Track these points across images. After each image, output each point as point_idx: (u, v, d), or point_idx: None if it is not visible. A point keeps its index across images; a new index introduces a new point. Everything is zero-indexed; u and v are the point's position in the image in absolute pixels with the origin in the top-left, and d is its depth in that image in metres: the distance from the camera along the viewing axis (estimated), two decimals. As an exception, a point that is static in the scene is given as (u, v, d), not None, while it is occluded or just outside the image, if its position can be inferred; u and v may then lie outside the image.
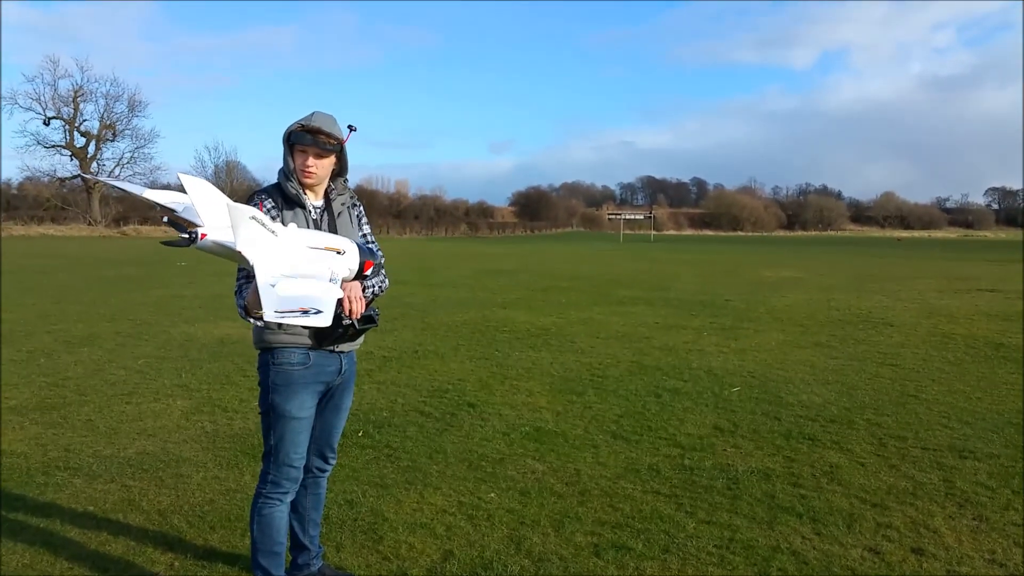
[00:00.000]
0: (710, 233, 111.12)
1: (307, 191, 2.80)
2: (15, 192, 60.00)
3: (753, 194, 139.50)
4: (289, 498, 2.89)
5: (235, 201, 2.24)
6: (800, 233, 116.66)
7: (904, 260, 32.16)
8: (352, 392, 3.08)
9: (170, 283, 16.61)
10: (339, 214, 2.87)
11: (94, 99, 60.40)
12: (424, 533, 3.73)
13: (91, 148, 59.54)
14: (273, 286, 2.18)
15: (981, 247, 55.04)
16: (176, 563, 3.39)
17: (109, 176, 59.12)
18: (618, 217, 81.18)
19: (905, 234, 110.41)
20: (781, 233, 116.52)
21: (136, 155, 60.60)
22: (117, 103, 60.20)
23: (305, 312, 2.20)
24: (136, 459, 4.76)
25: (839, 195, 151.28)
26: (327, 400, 2.95)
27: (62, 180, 59.00)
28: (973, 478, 4.56)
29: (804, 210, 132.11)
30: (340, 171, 2.87)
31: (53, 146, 58.24)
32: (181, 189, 2.25)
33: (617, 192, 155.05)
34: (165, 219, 2.32)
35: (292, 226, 2.30)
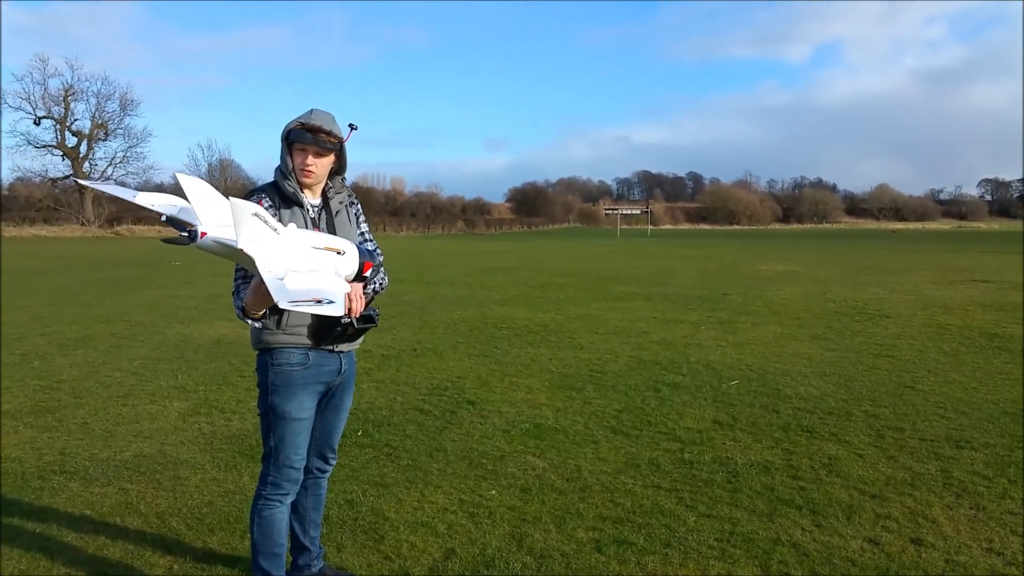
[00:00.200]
0: (706, 227, 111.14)
1: (305, 190, 2.77)
2: (6, 193, 59.69)
3: (749, 188, 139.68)
4: (289, 499, 2.88)
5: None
6: (795, 226, 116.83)
7: (899, 252, 32.24)
8: (352, 392, 3.06)
9: (165, 283, 16.56)
10: (337, 213, 2.84)
11: (85, 98, 60.07)
12: (425, 532, 3.72)
13: (83, 148, 59.35)
14: (281, 279, 2.16)
15: (975, 238, 55.22)
16: (175, 566, 3.38)
17: (101, 176, 58.83)
18: (615, 212, 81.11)
19: (900, 226, 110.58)
20: (777, 226, 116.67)
21: (129, 154, 60.49)
22: (109, 102, 59.99)
23: (318, 302, 2.19)
24: (133, 462, 4.74)
25: (834, 188, 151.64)
26: (327, 400, 2.93)
27: (54, 180, 58.73)
28: (970, 468, 4.57)
29: (799, 203, 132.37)
30: (338, 169, 2.85)
31: (44, 146, 58.04)
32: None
33: (614, 187, 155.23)
34: (164, 218, 2.30)
35: (292, 226, 2.28)
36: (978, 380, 6.90)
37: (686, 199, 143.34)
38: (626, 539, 3.62)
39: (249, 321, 2.58)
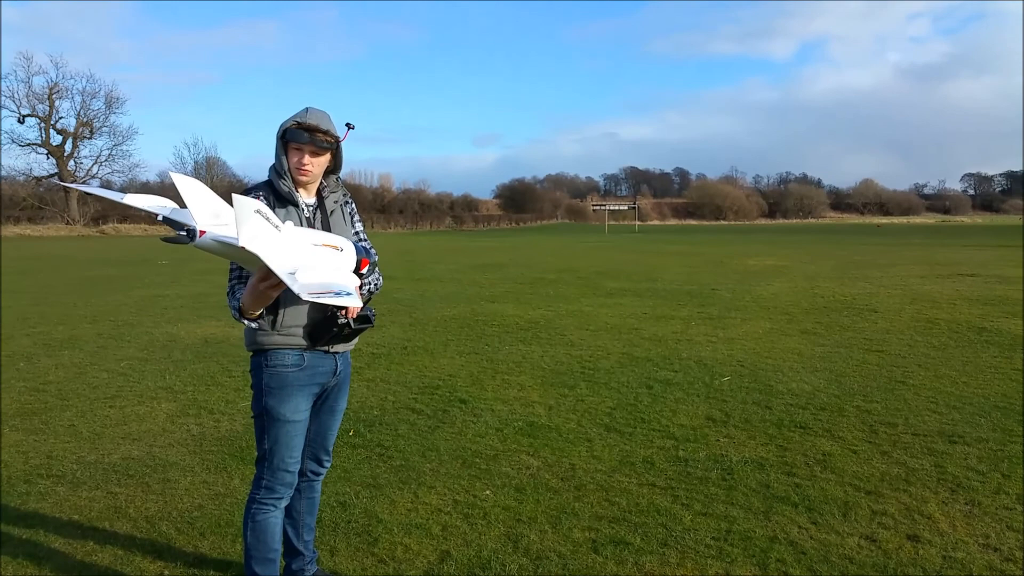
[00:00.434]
0: (693, 223, 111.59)
1: (300, 189, 2.73)
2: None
3: (735, 184, 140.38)
4: (284, 503, 2.83)
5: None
6: (781, 221, 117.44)
7: (885, 246, 32.41)
8: (347, 393, 3.02)
9: (152, 282, 16.41)
10: (332, 212, 2.81)
11: (70, 96, 59.75)
12: (420, 534, 3.68)
13: (68, 146, 58.78)
14: (293, 274, 2.13)
15: (959, 232, 55.59)
16: (166, 572, 3.33)
17: (87, 174, 58.38)
18: (603, 208, 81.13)
19: (884, 220, 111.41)
20: (763, 222, 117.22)
21: (114, 152, 59.87)
22: (94, 100, 59.48)
23: (337, 294, 2.16)
24: (121, 465, 4.68)
25: (819, 183, 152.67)
26: (321, 402, 2.89)
27: (39, 179, 58.15)
28: (964, 463, 4.58)
29: (785, 199, 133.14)
30: (333, 168, 2.81)
31: (28, 144, 57.39)
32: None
33: (601, 183, 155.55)
34: (160, 217, 2.25)
35: (289, 223, 2.24)
36: (968, 374, 6.92)
37: (673, 195, 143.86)
38: (623, 539, 3.59)
39: (245, 321, 2.54)
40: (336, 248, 2.40)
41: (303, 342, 2.68)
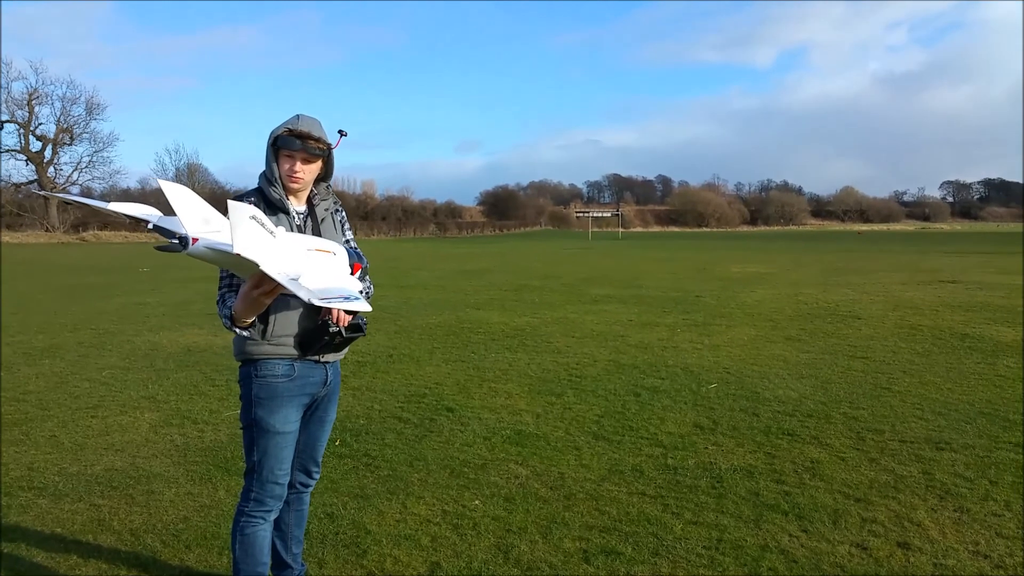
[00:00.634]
0: (676, 229, 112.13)
1: (290, 196, 2.71)
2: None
3: (717, 191, 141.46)
4: (273, 516, 2.78)
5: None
6: (763, 228, 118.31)
7: (866, 253, 32.68)
8: (336, 403, 2.98)
9: (133, 290, 16.25)
10: (323, 220, 2.78)
11: (50, 102, 59.10)
12: (409, 545, 3.64)
13: (47, 152, 58.24)
14: (296, 280, 2.10)
15: (938, 239, 56.20)
16: (152, 585, 3.27)
17: (67, 181, 57.84)
18: (586, 215, 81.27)
19: (865, 227, 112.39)
20: (745, 228, 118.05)
21: (95, 159, 59.49)
22: (74, 106, 59.07)
23: (346, 298, 2.14)
24: (104, 476, 4.60)
25: (800, 191, 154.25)
26: (311, 412, 2.85)
27: (17, 186, 57.54)
28: (951, 469, 4.59)
29: (766, 206, 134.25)
30: (324, 176, 2.79)
31: (7, 150, 56.84)
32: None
33: (584, 190, 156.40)
34: (150, 226, 2.22)
35: (281, 229, 2.21)
36: (952, 381, 6.97)
37: (656, 202, 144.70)
38: (614, 549, 3.57)
39: (237, 330, 2.50)
40: (329, 253, 2.38)
41: (294, 352, 2.65)
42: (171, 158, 69.95)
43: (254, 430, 2.68)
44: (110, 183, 61.52)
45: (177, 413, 6.03)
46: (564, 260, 28.92)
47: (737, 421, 5.72)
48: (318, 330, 2.60)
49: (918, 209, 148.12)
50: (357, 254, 2.64)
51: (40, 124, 58.30)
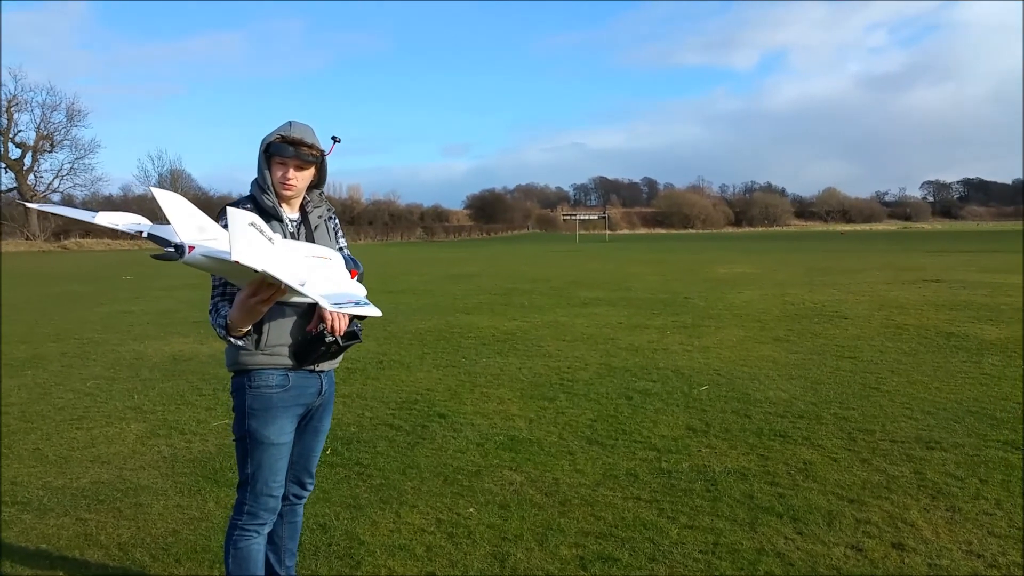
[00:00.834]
0: (662, 231, 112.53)
1: (283, 204, 2.67)
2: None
3: (702, 193, 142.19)
4: (267, 529, 2.73)
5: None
6: (747, 229, 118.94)
7: (850, 253, 32.89)
8: (331, 413, 2.94)
9: (116, 299, 16.09)
10: (316, 227, 2.75)
11: (30, 109, 58.50)
12: (404, 555, 3.60)
13: (27, 159, 57.69)
14: (303, 285, 2.07)
15: (920, 238, 56.71)
16: (142, 600, 3.22)
17: (47, 188, 57.34)
18: (573, 218, 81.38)
19: (848, 228, 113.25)
20: (730, 230, 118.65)
21: (76, 166, 58.99)
22: (55, 113, 58.57)
23: (358, 303, 2.12)
24: (91, 489, 4.53)
25: (783, 192, 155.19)
26: (305, 423, 2.80)
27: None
28: (942, 469, 4.60)
29: (750, 207, 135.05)
30: (317, 183, 2.75)
31: (-15, 159, 56.28)
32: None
33: (571, 193, 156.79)
34: (144, 235, 2.18)
35: (278, 236, 2.18)
36: (940, 380, 7.00)
37: (642, 204, 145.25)
38: (611, 555, 3.55)
39: (232, 339, 2.46)
40: (326, 259, 2.36)
41: (288, 362, 2.60)
42: (154, 164, 69.76)
43: (248, 442, 2.63)
44: (92, 190, 61.19)
45: (164, 424, 5.95)
46: (552, 263, 28.93)
47: (729, 423, 5.72)
48: (314, 339, 2.56)
49: (900, 209, 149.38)
50: (352, 260, 2.62)
51: (20, 131, 57.86)
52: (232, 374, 2.68)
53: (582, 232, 73.38)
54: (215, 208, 2.44)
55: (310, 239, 2.69)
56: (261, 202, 2.63)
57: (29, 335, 10.74)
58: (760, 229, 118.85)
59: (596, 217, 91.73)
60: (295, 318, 2.60)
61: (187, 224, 2.05)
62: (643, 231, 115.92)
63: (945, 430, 5.40)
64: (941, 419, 5.69)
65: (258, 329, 2.53)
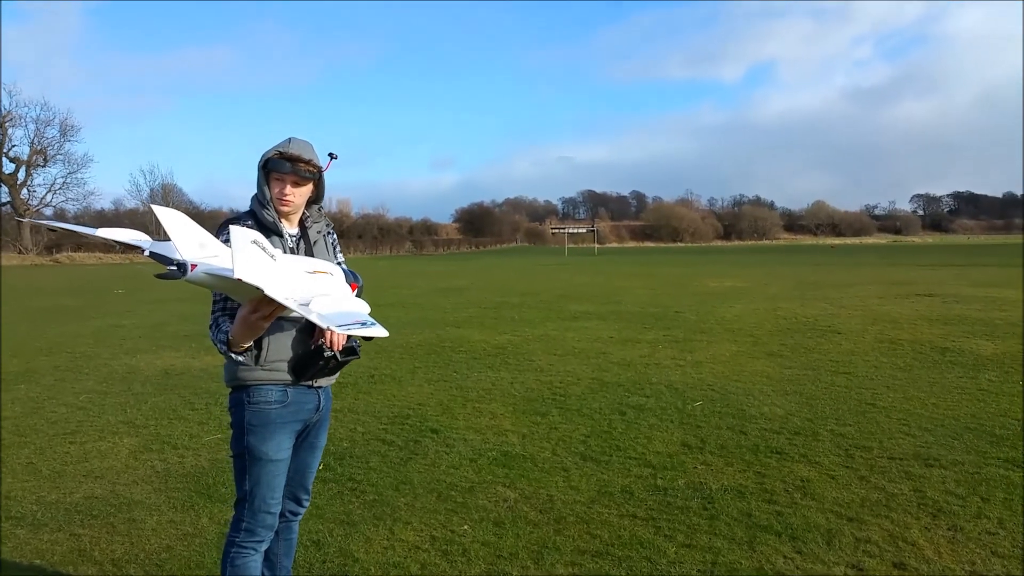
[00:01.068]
0: (651, 245, 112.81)
1: (283, 219, 2.68)
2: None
3: (690, 206, 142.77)
4: (264, 547, 2.71)
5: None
6: (737, 243, 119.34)
7: (840, 267, 33.00)
8: (327, 429, 2.92)
9: (108, 312, 16.00)
10: (315, 242, 2.76)
11: (23, 124, 58.31)
12: (398, 573, 3.56)
13: (21, 174, 57.52)
14: (307, 305, 2.06)
15: (911, 252, 56.91)
16: (135, 620, 3.17)
17: (40, 203, 57.15)
18: (562, 231, 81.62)
19: (837, 241, 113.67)
20: (719, 243, 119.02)
21: (69, 180, 58.85)
22: (48, 128, 58.39)
23: (363, 324, 2.11)
24: (84, 504, 4.48)
25: (772, 205, 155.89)
26: (303, 439, 2.78)
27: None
28: (942, 487, 4.59)
29: (739, 220, 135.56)
30: (316, 198, 2.76)
31: (-20, 174, 56.05)
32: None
33: (559, 207, 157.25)
34: (146, 253, 2.17)
35: (278, 252, 2.17)
36: (936, 395, 7.00)
37: (631, 217, 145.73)
38: (608, 574, 3.52)
39: (233, 355, 2.44)
40: (327, 274, 2.35)
41: (287, 377, 2.59)
42: (146, 179, 69.62)
43: (246, 458, 2.61)
44: (84, 204, 61.09)
45: (157, 438, 5.90)
46: (541, 276, 28.93)
47: (725, 439, 5.70)
48: (312, 355, 2.55)
49: (890, 222, 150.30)
50: (352, 273, 2.62)
51: (14, 146, 57.68)
52: (230, 389, 2.66)
53: (571, 245, 73.55)
54: (206, 222, 2.44)
55: (309, 254, 2.69)
56: (261, 217, 2.63)
57: (21, 349, 10.65)
58: (749, 242, 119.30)
59: (585, 230, 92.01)
60: (294, 333, 2.59)
61: (188, 241, 2.04)
62: (632, 244, 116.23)
63: (944, 447, 5.39)
64: (939, 436, 5.68)
65: (258, 344, 2.51)
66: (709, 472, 4.96)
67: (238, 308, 2.37)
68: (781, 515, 4.20)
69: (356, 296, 2.57)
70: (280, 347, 2.57)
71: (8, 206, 56.32)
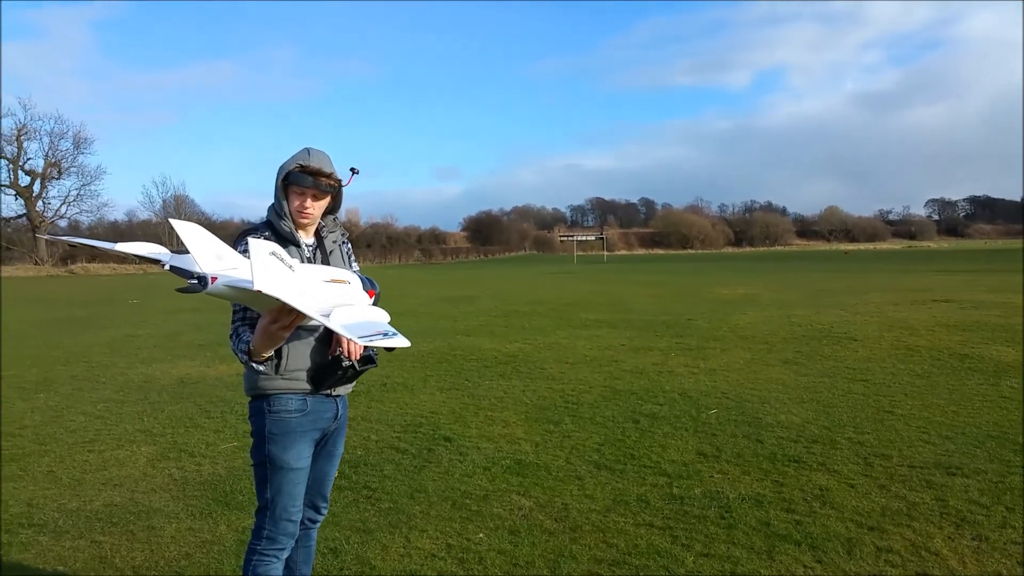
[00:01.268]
0: (660, 252, 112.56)
1: (300, 230, 2.69)
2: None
3: (700, 212, 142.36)
4: (285, 555, 2.72)
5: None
6: (748, 249, 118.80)
7: (854, 273, 32.80)
8: (344, 437, 2.93)
9: (123, 322, 16.10)
10: (331, 252, 2.78)
11: (38, 137, 59.03)
12: (417, 581, 3.56)
13: (36, 187, 58.14)
14: (327, 316, 2.06)
15: (926, 257, 56.46)
16: (155, 628, 3.18)
17: (55, 214, 57.73)
18: (570, 239, 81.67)
19: (851, 247, 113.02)
20: (730, 250, 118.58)
21: (83, 192, 59.48)
22: (62, 140, 59.06)
23: (385, 335, 2.11)
24: (104, 512, 4.51)
25: (784, 211, 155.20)
26: (321, 447, 2.80)
27: (7, 220, 57.33)
28: (965, 495, 4.53)
29: (751, 227, 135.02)
30: (332, 209, 2.77)
31: (-3, 187, 56.67)
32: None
33: (567, 214, 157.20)
34: (166, 267, 2.18)
35: (296, 262, 2.18)
36: (956, 403, 6.93)
37: (639, 225, 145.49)
38: (627, 582, 3.50)
39: (254, 365, 2.45)
40: (344, 282, 2.36)
41: (306, 386, 2.60)
42: (158, 190, 70.08)
43: (267, 467, 2.63)
44: (98, 216, 61.68)
45: (174, 446, 5.93)
46: (551, 284, 28.91)
47: (741, 448, 5.67)
48: (331, 364, 2.56)
49: (904, 227, 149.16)
50: (369, 281, 2.63)
51: (29, 159, 58.35)
52: (250, 399, 2.67)
53: (580, 253, 73.58)
54: (217, 233, 2.45)
55: (325, 263, 2.70)
56: (279, 228, 2.65)
57: (39, 359, 10.74)
58: (761, 249, 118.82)
59: (593, 238, 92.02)
60: (313, 343, 2.61)
61: (207, 254, 2.05)
62: (641, 252, 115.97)
63: (966, 455, 5.33)
64: (960, 444, 5.61)
65: (278, 354, 2.53)
66: (726, 481, 4.93)
67: (258, 318, 2.39)
68: (800, 524, 4.16)
69: (373, 304, 2.57)
70: (299, 356, 2.58)
71: (24, 218, 56.87)
